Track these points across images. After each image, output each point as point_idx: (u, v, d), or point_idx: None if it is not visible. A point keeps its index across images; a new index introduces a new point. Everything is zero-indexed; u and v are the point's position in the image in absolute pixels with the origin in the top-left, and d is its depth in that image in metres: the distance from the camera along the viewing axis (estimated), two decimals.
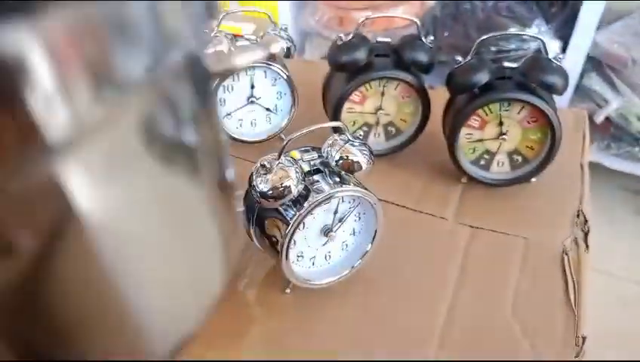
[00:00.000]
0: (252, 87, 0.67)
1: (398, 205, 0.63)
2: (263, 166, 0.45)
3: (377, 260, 0.54)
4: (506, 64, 0.61)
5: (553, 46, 1.20)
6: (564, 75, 0.59)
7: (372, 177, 0.51)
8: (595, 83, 1.25)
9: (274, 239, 0.49)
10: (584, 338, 0.51)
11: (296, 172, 0.46)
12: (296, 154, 0.50)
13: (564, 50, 1.23)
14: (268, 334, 0.50)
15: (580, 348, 0.50)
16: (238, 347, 0.49)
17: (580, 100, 1.32)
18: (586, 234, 0.61)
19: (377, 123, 0.68)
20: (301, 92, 0.70)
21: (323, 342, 0.50)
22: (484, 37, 0.61)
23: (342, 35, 0.63)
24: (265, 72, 0.67)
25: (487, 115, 0.61)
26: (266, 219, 0.49)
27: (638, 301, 1.18)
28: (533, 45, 1.20)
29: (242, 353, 0.49)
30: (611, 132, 1.30)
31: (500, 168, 0.65)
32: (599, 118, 1.28)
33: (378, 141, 0.69)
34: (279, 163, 0.45)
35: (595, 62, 1.29)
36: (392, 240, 0.54)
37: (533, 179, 0.65)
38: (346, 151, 0.48)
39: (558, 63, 0.59)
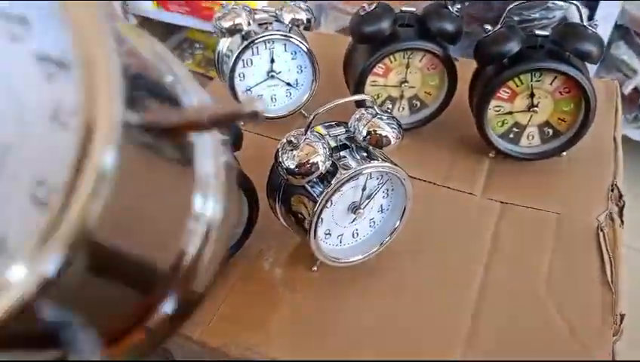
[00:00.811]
0: (272, 61, 0.65)
1: (424, 181, 0.62)
2: (289, 142, 0.44)
3: (404, 236, 0.52)
4: (538, 32, 0.58)
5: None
6: (600, 43, 0.56)
7: (395, 152, 0.49)
8: (622, 52, 1.21)
9: (300, 216, 0.48)
10: (622, 316, 0.49)
11: (324, 147, 0.44)
12: (321, 129, 0.48)
13: (590, 17, 1.18)
14: (296, 312, 0.50)
15: (619, 327, 0.48)
16: (266, 326, 0.48)
17: (606, 71, 1.28)
18: (621, 209, 0.59)
19: (401, 96, 0.66)
20: (320, 66, 0.67)
21: (351, 319, 0.49)
22: (514, 4, 0.58)
23: (365, 4, 0.60)
24: (285, 45, 0.65)
25: (517, 86, 0.59)
26: (292, 196, 0.48)
27: None
28: (558, 14, 1.16)
29: (270, 331, 0.48)
30: (639, 104, 1.26)
31: (530, 141, 0.63)
32: (627, 89, 1.24)
33: (402, 115, 0.67)
34: (306, 138, 0.44)
35: (623, 31, 1.24)
36: (419, 217, 0.53)
37: (564, 153, 0.63)
38: (374, 125, 0.46)
39: (594, 30, 0.56)
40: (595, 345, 0.47)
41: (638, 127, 1.28)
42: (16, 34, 0.19)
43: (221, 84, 0.70)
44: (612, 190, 0.60)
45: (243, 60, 0.64)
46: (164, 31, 1.93)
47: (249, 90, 0.66)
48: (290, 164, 0.44)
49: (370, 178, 0.47)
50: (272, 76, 0.66)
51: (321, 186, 0.45)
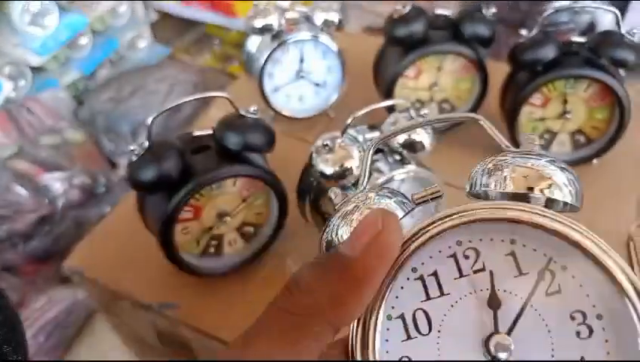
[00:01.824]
0: (301, 61, 0.65)
1: (453, 186, 0.61)
2: (324, 145, 0.43)
3: None
4: (574, 38, 0.57)
5: (608, 19, 1.13)
6: (637, 51, 0.55)
7: (422, 157, 0.49)
8: None
9: (327, 217, 0.48)
10: None
11: (359, 151, 0.44)
12: (355, 133, 0.48)
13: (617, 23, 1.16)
14: None
15: None
16: None
17: (633, 77, 1.26)
18: None
19: (431, 99, 0.65)
20: (347, 66, 0.67)
21: None
22: (552, 9, 0.57)
23: (399, 6, 0.60)
24: (315, 45, 0.64)
25: (550, 92, 0.58)
26: (322, 197, 0.48)
27: None
28: (586, 18, 1.14)
29: None
30: None
31: (561, 148, 0.62)
32: None
33: (431, 117, 0.67)
34: (341, 142, 0.43)
35: None
36: None
37: (595, 161, 0.62)
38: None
39: (631, 38, 0.55)
40: None
41: None
42: None
43: (247, 82, 0.70)
44: None
45: (273, 60, 0.64)
46: (182, 26, 1.94)
47: (277, 89, 0.66)
48: (325, 168, 0.44)
49: (403, 182, 0.47)
50: (302, 76, 0.66)
51: (354, 189, 0.45)
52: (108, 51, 1.47)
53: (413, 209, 0.24)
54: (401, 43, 0.60)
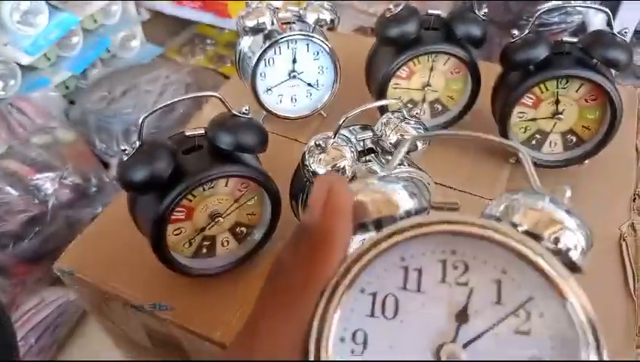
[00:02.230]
0: (294, 61, 0.65)
1: (443, 185, 0.61)
2: (317, 145, 0.43)
3: None
4: (565, 38, 0.57)
5: (599, 19, 1.14)
6: (629, 51, 0.55)
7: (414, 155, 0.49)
8: None
9: None
10: None
11: (351, 152, 0.44)
12: (347, 133, 0.48)
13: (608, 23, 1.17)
14: None
15: None
16: None
17: (622, 77, 1.27)
18: None
19: (423, 100, 0.65)
20: (339, 67, 0.67)
21: None
22: (544, 8, 0.57)
23: (391, 6, 0.60)
24: (307, 45, 0.64)
25: (542, 92, 0.58)
26: None
27: None
28: (577, 19, 1.15)
29: None
30: None
31: (553, 149, 0.62)
32: None
33: (423, 119, 0.67)
34: (334, 142, 0.43)
35: None
36: None
37: (586, 161, 0.62)
38: (401, 130, 0.45)
39: (623, 38, 0.56)
40: (618, 357, 0.46)
41: None
42: None
43: (239, 82, 0.70)
44: (634, 200, 0.60)
45: (265, 60, 0.63)
46: (175, 26, 1.93)
47: (270, 89, 0.66)
48: (317, 168, 0.43)
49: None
50: (294, 76, 0.65)
51: None
52: (99, 50, 1.46)
53: (425, 210, 0.25)
54: (393, 43, 0.60)
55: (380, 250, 0.22)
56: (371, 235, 0.23)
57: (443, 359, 0.21)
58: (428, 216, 0.23)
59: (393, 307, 0.23)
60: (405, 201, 0.24)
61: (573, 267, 0.23)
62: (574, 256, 0.22)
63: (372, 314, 0.23)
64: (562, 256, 0.22)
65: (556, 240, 0.22)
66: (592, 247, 0.24)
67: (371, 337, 0.22)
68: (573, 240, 0.22)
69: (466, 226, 0.21)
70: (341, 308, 0.22)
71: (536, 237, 0.22)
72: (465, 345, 0.22)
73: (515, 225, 0.23)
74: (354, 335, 0.22)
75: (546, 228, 0.22)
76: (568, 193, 0.24)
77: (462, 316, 0.22)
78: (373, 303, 0.23)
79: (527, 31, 0.57)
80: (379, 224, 0.24)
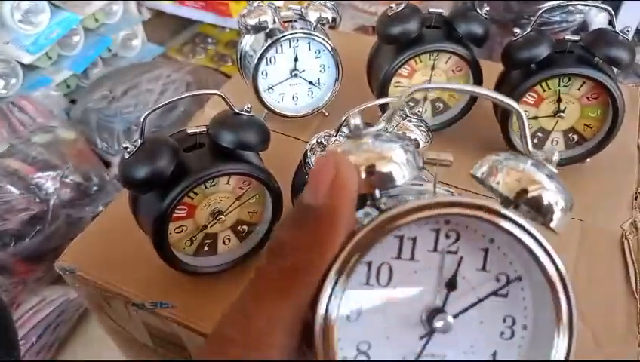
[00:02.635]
0: (295, 59, 0.65)
1: (445, 183, 0.61)
2: (319, 143, 0.43)
3: None
4: (567, 37, 0.57)
5: (600, 18, 1.14)
6: (631, 50, 0.55)
7: None
8: None
9: None
10: None
11: None
12: (347, 131, 0.48)
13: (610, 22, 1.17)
14: None
15: None
16: None
17: (623, 76, 1.27)
18: None
19: (425, 98, 0.65)
20: (341, 65, 0.67)
21: None
22: (546, 7, 0.57)
23: (392, 5, 0.60)
24: (309, 43, 0.64)
25: (544, 91, 0.58)
26: None
27: None
28: (578, 17, 1.15)
29: None
30: None
31: (555, 147, 0.62)
32: None
33: (424, 117, 0.67)
34: (336, 140, 0.43)
35: None
36: None
37: (588, 160, 0.62)
38: (403, 127, 0.45)
39: (625, 37, 0.55)
40: (620, 355, 0.46)
41: None
42: None
43: (241, 81, 0.70)
44: (636, 198, 0.60)
45: (267, 58, 0.63)
46: (177, 25, 1.93)
47: (271, 88, 0.66)
48: None
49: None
50: (295, 75, 0.65)
51: None
52: (100, 49, 1.46)
53: (420, 169, 0.25)
54: (395, 41, 0.60)
55: (383, 232, 0.22)
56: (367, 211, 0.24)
57: (435, 327, 0.23)
58: (427, 198, 0.23)
59: (387, 275, 0.24)
60: (400, 158, 0.24)
61: (552, 224, 0.24)
62: (554, 215, 0.23)
63: (367, 283, 0.23)
64: (542, 214, 0.23)
65: (535, 200, 0.23)
66: (571, 209, 0.24)
67: (366, 305, 0.24)
68: (552, 200, 0.23)
69: (464, 208, 0.22)
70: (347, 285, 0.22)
71: (517, 195, 0.23)
72: (456, 315, 0.24)
73: (497, 185, 0.24)
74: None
75: (526, 188, 0.23)
76: (556, 156, 0.25)
77: (452, 283, 0.24)
78: (368, 272, 0.23)
79: (528, 29, 0.57)
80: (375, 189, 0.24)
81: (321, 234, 0.22)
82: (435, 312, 0.23)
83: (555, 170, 0.24)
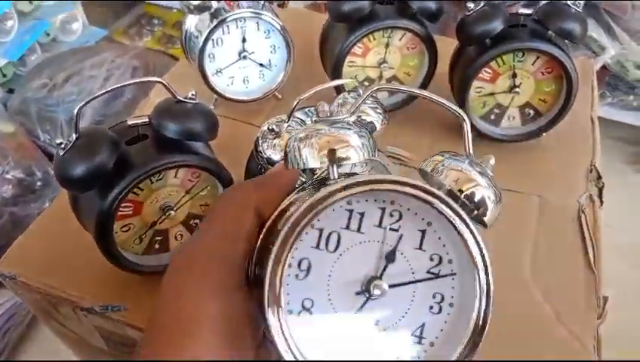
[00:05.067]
0: (244, 40, 0.62)
1: (403, 165, 0.60)
2: (270, 130, 0.41)
3: None
4: (520, 10, 0.56)
5: None
6: (584, 22, 0.55)
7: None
8: (591, 30, 1.21)
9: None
10: (605, 299, 0.49)
11: None
12: (302, 115, 0.46)
13: None
14: None
15: (602, 309, 0.48)
16: None
17: (574, 47, 1.29)
18: (600, 190, 0.59)
19: (380, 77, 0.63)
20: (293, 45, 0.64)
21: None
22: None
23: None
24: (257, 23, 0.61)
25: (499, 66, 0.57)
26: None
27: (632, 250, 1.19)
28: None
29: None
30: (606, 80, 1.27)
31: (511, 123, 0.62)
32: (596, 67, 1.25)
33: (380, 97, 0.65)
34: (288, 126, 0.41)
35: (592, 8, 1.24)
36: None
37: (544, 134, 0.62)
38: (358, 110, 0.43)
39: (577, 9, 0.55)
40: (580, 329, 0.47)
41: (605, 104, 1.30)
42: None
43: (188, 64, 0.66)
44: (591, 171, 0.60)
45: (213, 40, 0.60)
46: (119, 6, 1.84)
47: (219, 71, 0.63)
48: (271, 153, 0.41)
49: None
50: (244, 57, 0.62)
51: (303, 176, 0.43)
52: (37, 34, 1.38)
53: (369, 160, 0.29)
54: (347, 19, 0.58)
55: (335, 198, 0.25)
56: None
57: (372, 291, 0.26)
58: (378, 175, 0.26)
59: (335, 242, 0.26)
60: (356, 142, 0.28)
61: (484, 218, 0.28)
62: (486, 207, 0.28)
63: (317, 246, 0.26)
64: (476, 206, 0.27)
65: (471, 195, 0.27)
66: (500, 201, 0.29)
67: (314, 265, 0.26)
68: (484, 194, 0.27)
69: (406, 187, 0.25)
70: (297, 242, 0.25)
71: (457, 191, 0.27)
72: (391, 286, 0.27)
73: (440, 182, 0.28)
74: (300, 262, 0.26)
75: (463, 185, 0.27)
76: (492, 161, 0.29)
77: (391, 257, 0.27)
78: (319, 237, 0.26)
79: (482, 4, 0.56)
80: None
81: (259, 181, 0.30)
82: (373, 279, 0.26)
83: (490, 172, 0.29)
